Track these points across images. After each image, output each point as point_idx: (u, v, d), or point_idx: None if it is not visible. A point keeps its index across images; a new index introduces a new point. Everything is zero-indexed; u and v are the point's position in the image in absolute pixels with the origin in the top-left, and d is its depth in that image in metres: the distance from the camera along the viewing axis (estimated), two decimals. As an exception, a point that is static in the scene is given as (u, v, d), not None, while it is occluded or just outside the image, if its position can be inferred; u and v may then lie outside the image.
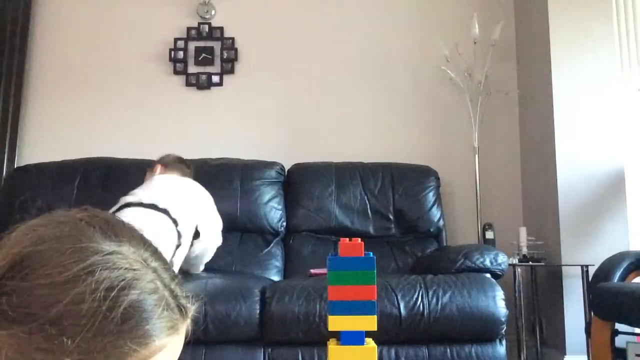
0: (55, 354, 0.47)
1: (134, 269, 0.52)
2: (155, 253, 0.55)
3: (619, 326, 2.20)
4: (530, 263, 2.72)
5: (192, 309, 0.56)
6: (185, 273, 2.32)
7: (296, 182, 2.93)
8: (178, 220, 2.07)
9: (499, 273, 2.32)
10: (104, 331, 0.48)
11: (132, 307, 0.49)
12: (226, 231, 2.82)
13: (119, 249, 0.52)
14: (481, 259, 2.30)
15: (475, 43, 3.11)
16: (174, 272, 0.56)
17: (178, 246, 2.06)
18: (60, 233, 0.52)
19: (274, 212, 2.82)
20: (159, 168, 2.41)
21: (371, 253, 1.36)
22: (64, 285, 0.48)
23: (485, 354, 2.10)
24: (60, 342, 0.47)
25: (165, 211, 2.05)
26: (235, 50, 3.36)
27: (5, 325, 0.47)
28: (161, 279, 0.54)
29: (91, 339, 0.47)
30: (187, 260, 2.23)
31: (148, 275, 0.52)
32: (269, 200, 2.83)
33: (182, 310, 0.55)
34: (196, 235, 2.20)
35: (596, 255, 2.53)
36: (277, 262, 2.74)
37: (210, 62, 3.35)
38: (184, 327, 0.55)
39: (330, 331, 1.32)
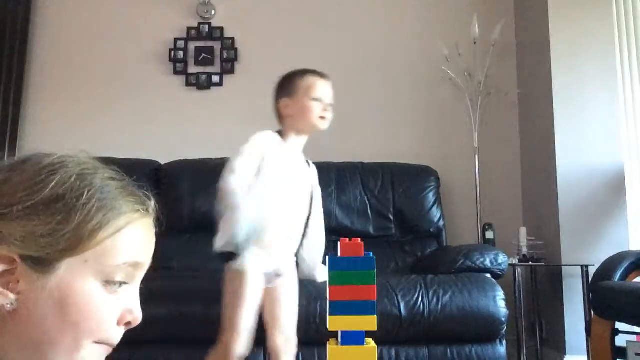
0: (67, 221, 0.58)
1: (91, 164, 0.63)
2: (107, 166, 0.65)
3: (619, 325, 2.20)
4: (530, 263, 2.71)
5: (151, 197, 0.66)
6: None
7: (296, 182, 2.93)
8: None
9: (499, 273, 2.32)
10: (92, 201, 0.59)
11: (102, 187, 0.61)
12: (226, 231, 2.82)
13: (72, 155, 0.64)
14: (481, 259, 2.30)
15: (475, 43, 3.11)
16: (125, 177, 0.66)
17: None
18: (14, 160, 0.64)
19: (274, 212, 2.82)
20: None
21: (371, 253, 1.36)
22: (38, 181, 0.59)
23: (485, 354, 2.10)
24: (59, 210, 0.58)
25: None
26: (235, 50, 3.36)
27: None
28: (116, 175, 0.64)
29: (81, 206, 0.59)
30: None
31: (104, 171, 0.64)
32: (269, 200, 2.82)
33: (144, 194, 0.65)
34: None
35: (596, 255, 2.53)
36: (277, 262, 2.74)
37: (210, 62, 3.35)
38: (152, 210, 0.66)
39: (330, 331, 1.32)
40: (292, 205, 1.79)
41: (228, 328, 1.61)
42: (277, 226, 1.71)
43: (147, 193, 0.66)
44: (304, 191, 1.85)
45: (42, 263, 0.57)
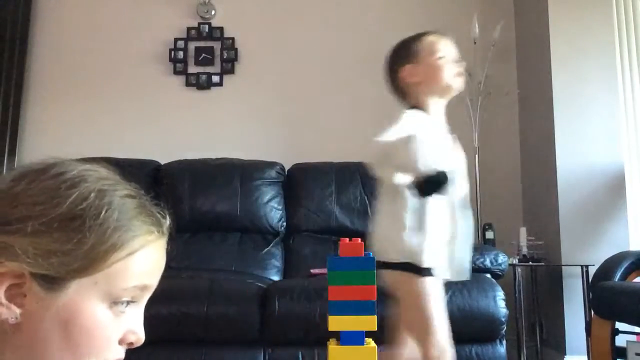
0: (76, 241, 0.56)
1: (111, 179, 0.62)
2: (125, 182, 0.64)
3: (619, 325, 2.20)
4: (530, 263, 2.71)
5: (167, 216, 0.66)
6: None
7: (296, 182, 2.93)
8: None
9: (499, 273, 2.32)
10: (109, 221, 0.58)
11: (120, 206, 0.60)
12: (226, 231, 2.82)
13: (93, 168, 0.62)
14: (481, 259, 2.30)
15: (475, 43, 3.11)
16: (143, 194, 0.65)
17: None
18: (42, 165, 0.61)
19: (274, 212, 2.82)
20: None
21: (371, 253, 1.36)
22: (56, 195, 0.57)
23: (485, 354, 2.10)
24: (78, 228, 0.56)
25: None
26: (235, 50, 3.36)
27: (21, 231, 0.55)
28: (134, 191, 0.63)
29: (98, 225, 0.57)
30: None
31: (122, 188, 0.62)
32: (269, 200, 2.83)
33: (160, 213, 0.65)
34: None
35: (596, 255, 2.53)
36: (277, 262, 2.74)
37: (210, 62, 3.35)
38: (166, 230, 0.65)
39: (330, 331, 1.32)
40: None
41: (426, 336, 1.42)
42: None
43: (162, 212, 0.65)
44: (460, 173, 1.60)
45: (52, 281, 0.56)
